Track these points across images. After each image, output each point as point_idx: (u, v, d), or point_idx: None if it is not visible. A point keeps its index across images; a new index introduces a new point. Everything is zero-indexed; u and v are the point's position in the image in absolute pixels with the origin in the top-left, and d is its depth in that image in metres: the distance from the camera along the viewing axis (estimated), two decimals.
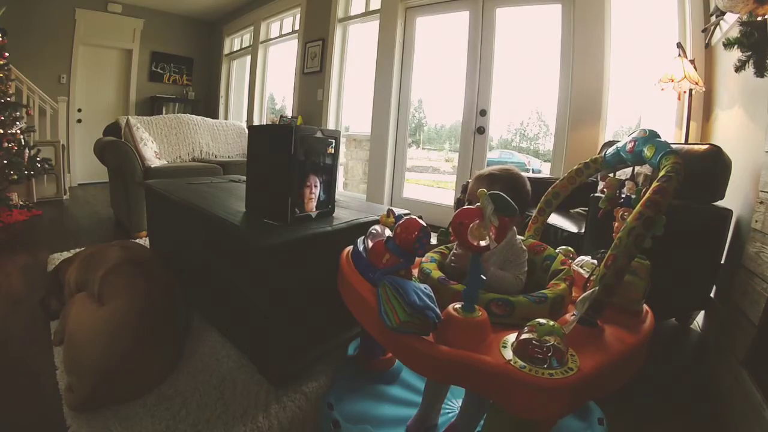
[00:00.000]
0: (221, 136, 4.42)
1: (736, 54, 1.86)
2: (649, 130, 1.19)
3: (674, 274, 1.69)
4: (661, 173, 1.02)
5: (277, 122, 5.07)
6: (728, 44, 1.78)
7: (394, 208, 1.33)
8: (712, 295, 2.24)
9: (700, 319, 2.37)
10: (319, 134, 1.67)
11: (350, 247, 1.27)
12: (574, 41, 3.40)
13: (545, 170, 6.78)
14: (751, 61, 1.75)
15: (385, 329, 0.94)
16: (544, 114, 5.68)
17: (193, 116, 4.43)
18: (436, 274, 1.15)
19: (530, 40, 4.12)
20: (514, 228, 1.25)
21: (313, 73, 4.89)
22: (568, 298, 1.12)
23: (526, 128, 7.19)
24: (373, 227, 1.20)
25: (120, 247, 1.79)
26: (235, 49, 7.02)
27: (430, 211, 4.19)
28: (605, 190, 1.41)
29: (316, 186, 1.69)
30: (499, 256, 1.23)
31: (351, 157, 5.08)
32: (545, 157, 6.92)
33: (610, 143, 3.05)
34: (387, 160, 4.27)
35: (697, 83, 2.65)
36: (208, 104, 7.27)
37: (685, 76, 2.63)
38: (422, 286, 0.99)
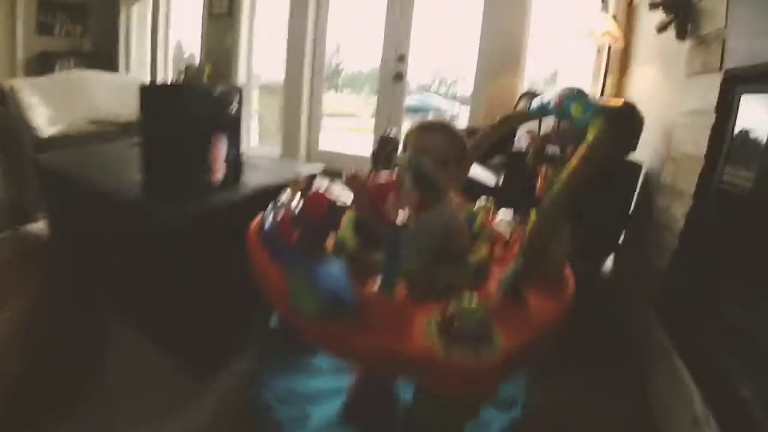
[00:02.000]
0: (123, 93, 3.79)
1: (658, 15, 1.92)
2: (576, 89, 1.14)
3: (587, 222, 1.62)
4: (590, 137, 0.98)
5: (183, 73, 4.62)
6: (653, 6, 1.88)
7: (304, 170, 1.21)
8: (620, 242, 2.33)
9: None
10: (217, 92, 1.49)
11: (259, 218, 1.14)
12: None
13: (463, 113, 7.06)
14: (673, 24, 1.84)
15: (299, 318, 0.85)
16: (463, 59, 5.75)
17: (88, 72, 3.88)
18: (353, 242, 1.05)
19: None
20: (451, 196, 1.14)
21: (222, 16, 4.46)
22: (490, 262, 1.09)
23: (444, 73, 7.28)
24: (280, 197, 1.08)
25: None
26: None
27: (347, 164, 4.03)
28: (530, 147, 1.38)
29: (219, 150, 1.52)
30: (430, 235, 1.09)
31: (265, 107, 4.79)
32: (463, 101, 7.11)
33: (527, 94, 3.05)
34: (302, 110, 4.05)
35: (616, 39, 2.70)
36: (107, 57, 6.42)
37: (606, 31, 2.66)
38: (337, 266, 0.89)
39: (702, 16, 1.73)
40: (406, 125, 3.94)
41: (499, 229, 1.25)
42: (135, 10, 6.00)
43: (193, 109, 1.40)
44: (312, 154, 4.22)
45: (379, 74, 3.89)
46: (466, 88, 7.19)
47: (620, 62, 2.92)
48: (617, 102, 1.90)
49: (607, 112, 1.04)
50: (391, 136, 1.47)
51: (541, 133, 1.40)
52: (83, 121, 3.52)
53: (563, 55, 3.74)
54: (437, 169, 1.00)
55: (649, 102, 2.29)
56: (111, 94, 3.81)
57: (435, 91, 7.28)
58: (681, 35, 1.81)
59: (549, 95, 1.22)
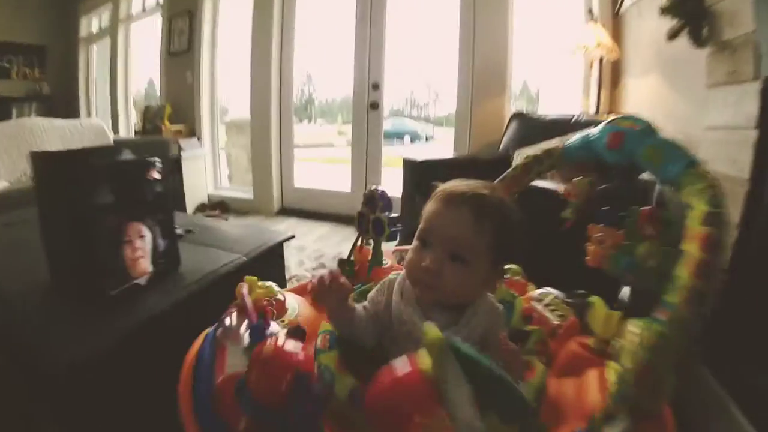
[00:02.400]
0: (76, 140, 3.45)
1: (652, 23, 1.77)
2: (641, 121, 0.89)
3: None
4: (698, 208, 0.71)
5: (143, 115, 4.30)
6: (664, 12, 1.66)
7: (246, 282, 0.89)
8: None
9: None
10: (129, 155, 1.15)
11: (193, 355, 0.82)
12: (475, 7, 3.14)
13: (437, 135, 7.07)
14: (686, 30, 1.62)
15: None
16: (435, 81, 5.65)
17: (39, 119, 3.49)
18: (344, 384, 0.72)
19: (426, 6, 3.81)
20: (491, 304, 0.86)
21: (181, 53, 4.17)
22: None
23: (416, 97, 7.17)
24: (225, 318, 0.81)
25: None
26: (93, 31, 5.83)
27: (325, 201, 3.82)
28: (571, 196, 1.12)
29: (142, 236, 1.19)
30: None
31: (234, 145, 4.46)
32: (436, 122, 7.10)
33: (519, 116, 2.84)
34: (272, 145, 3.77)
35: (610, 50, 2.56)
36: (67, 100, 6.01)
37: (598, 44, 2.52)
38: None
39: (721, 20, 1.53)
40: (386, 150, 3.71)
41: (541, 309, 1.01)
42: (95, 49, 5.66)
43: (101, 190, 1.07)
44: (286, 194, 3.92)
45: (353, 103, 3.65)
46: (440, 109, 7.23)
47: (611, 75, 2.76)
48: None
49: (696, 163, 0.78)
50: (379, 191, 1.21)
51: (581, 178, 1.13)
52: (28, 177, 3.12)
53: (547, 72, 3.57)
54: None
55: (653, 116, 2.07)
56: (65, 143, 3.43)
57: (407, 114, 7.21)
58: (697, 41, 1.61)
59: (597, 129, 0.96)
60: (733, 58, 1.46)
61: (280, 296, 0.97)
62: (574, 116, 2.52)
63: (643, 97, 2.38)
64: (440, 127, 7.04)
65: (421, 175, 2.58)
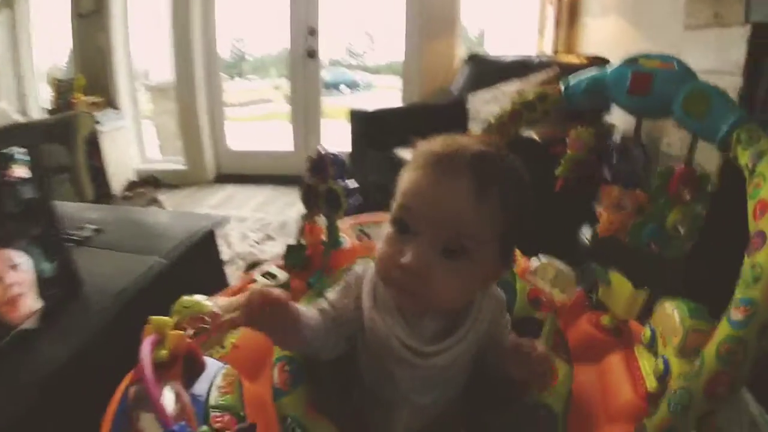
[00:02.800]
0: None
1: None
2: (672, 59, 0.71)
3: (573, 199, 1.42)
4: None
5: (56, 90, 3.69)
6: None
7: (153, 325, 0.55)
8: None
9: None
10: None
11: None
12: None
13: (377, 83, 6.75)
14: None
15: None
16: (374, 28, 5.39)
17: None
18: None
19: None
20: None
21: (90, 14, 3.59)
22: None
23: (353, 45, 6.85)
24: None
25: None
26: None
27: (265, 163, 3.55)
28: (569, 149, 0.94)
29: (13, 265, 0.88)
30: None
31: (160, 112, 3.95)
32: (374, 70, 6.86)
33: (474, 58, 2.66)
34: (200, 108, 3.40)
35: None
36: None
37: None
38: None
39: None
40: (326, 102, 3.46)
41: (536, 283, 0.85)
42: None
43: None
44: (222, 159, 3.60)
45: (290, 52, 3.37)
46: (379, 57, 6.99)
47: (568, 15, 2.64)
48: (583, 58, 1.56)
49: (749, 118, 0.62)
50: (330, 154, 0.97)
51: (580, 129, 0.95)
52: None
53: (495, 11, 3.39)
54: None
55: (613, 54, 2.01)
56: None
57: (346, 64, 6.89)
58: None
59: (616, 68, 0.78)
60: (719, 1, 1.38)
61: (215, 308, 0.76)
62: (533, 57, 2.37)
63: (605, 38, 2.31)
64: (379, 75, 6.76)
65: (372, 128, 2.41)
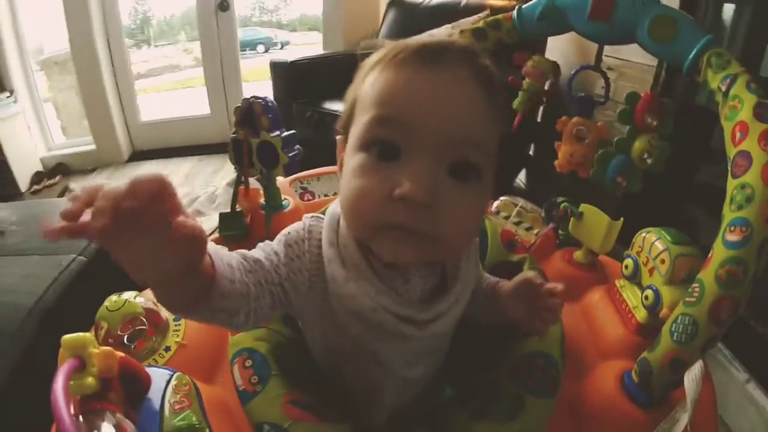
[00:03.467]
0: None
1: None
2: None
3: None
4: (744, 99, 0.55)
5: None
6: None
7: (66, 349, 0.41)
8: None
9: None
10: None
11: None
12: None
13: (293, 40, 6.52)
14: None
15: None
16: None
17: None
18: None
19: None
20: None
21: None
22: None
23: (264, 1, 6.51)
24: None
25: None
26: None
27: (183, 133, 3.28)
28: (526, 78, 0.88)
29: None
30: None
31: (59, 89, 3.44)
32: (289, 27, 6.66)
33: (395, 3, 2.51)
34: (105, 80, 3.02)
35: None
36: None
37: None
38: None
39: None
40: (243, 65, 3.21)
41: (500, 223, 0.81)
42: None
43: None
44: (135, 134, 3.28)
45: (198, 9, 3.04)
46: (290, 12, 6.68)
47: None
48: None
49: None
50: (261, 100, 0.85)
51: (538, 57, 0.90)
52: None
53: None
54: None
55: None
56: None
57: (258, 21, 6.57)
58: None
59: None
60: None
61: (149, 305, 0.65)
62: (461, 1, 2.25)
63: None
64: (296, 33, 6.57)
65: (295, 79, 2.28)
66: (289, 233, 0.50)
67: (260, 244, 0.50)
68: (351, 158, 0.45)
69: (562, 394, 0.56)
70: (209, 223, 2.09)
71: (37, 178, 2.93)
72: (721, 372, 1.14)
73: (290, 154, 0.82)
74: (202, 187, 2.57)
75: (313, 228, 0.50)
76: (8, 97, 2.82)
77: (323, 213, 0.53)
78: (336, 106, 2.09)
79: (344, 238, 0.48)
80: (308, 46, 4.81)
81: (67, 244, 1.03)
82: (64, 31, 2.95)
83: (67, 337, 0.41)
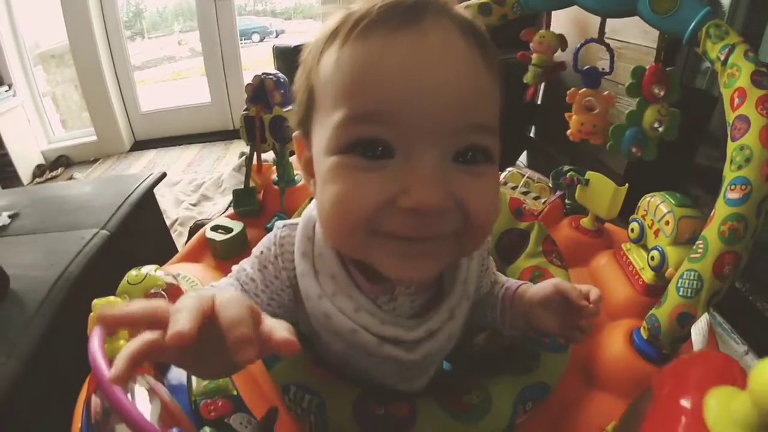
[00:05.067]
0: None
1: None
2: None
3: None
4: (741, 67, 0.59)
5: None
6: None
7: (96, 311, 0.44)
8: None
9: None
10: None
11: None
12: None
13: (288, 29, 6.35)
14: None
15: None
16: None
17: None
18: (342, 401, 0.48)
19: None
20: None
21: None
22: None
23: None
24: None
25: None
26: None
27: (185, 121, 3.28)
28: (534, 52, 0.90)
29: None
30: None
31: (57, 82, 3.40)
32: (284, 15, 6.50)
33: None
34: (104, 71, 3.03)
35: None
36: None
37: None
38: None
39: None
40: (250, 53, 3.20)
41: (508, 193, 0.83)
42: None
43: None
44: (137, 124, 3.28)
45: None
46: (285, 1, 6.60)
47: None
48: None
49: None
50: (272, 77, 0.87)
51: (543, 31, 0.92)
52: None
53: None
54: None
55: None
56: None
57: (252, 10, 6.47)
58: None
59: None
60: None
61: (169, 279, 0.66)
62: None
63: None
64: (289, 21, 6.40)
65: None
66: (261, 252, 0.46)
67: (234, 271, 0.46)
68: (324, 160, 0.36)
69: (573, 355, 0.59)
70: (216, 207, 2.11)
71: (39, 170, 2.94)
72: (721, 344, 1.18)
73: None
74: (207, 173, 2.59)
75: (285, 240, 0.45)
76: (7, 90, 2.82)
77: (300, 216, 0.47)
78: None
79: (320, 246, 0.43)
80: (303, 34, 4.78)
81: (89, 220, 1.05)
82: (60, 24, 2.94)
83: (98, 300, 0.43)
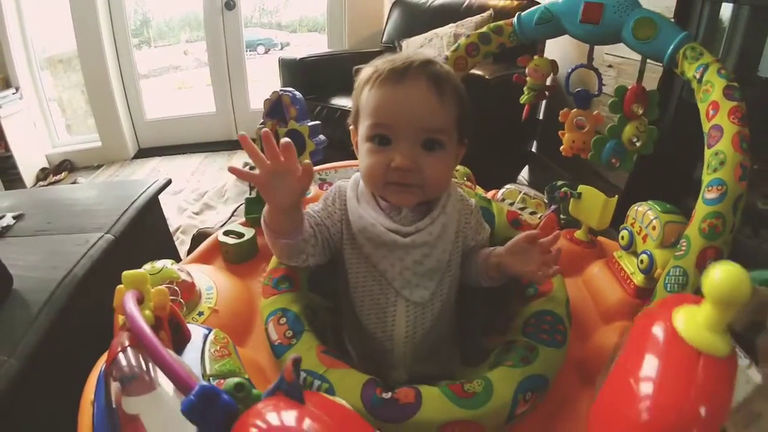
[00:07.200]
0: None
1: None
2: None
3: (501, 139, 1.64)
4: (714, 83, 0.67)
5: None
6: None
7: (127, 282, 0.46)
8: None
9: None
10: None
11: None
12: None
13: (293, 42, 6.60)
14: None
15: None
16: None
17: None
18: (352, 383, 0.55)
19: None
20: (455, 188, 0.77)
21: None
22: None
23: (265, 3, 6.50)
24: (117, 358, 0.41)
25: None
26: None
27: (189, 130, 3.34)
28: (528, 76, 0.96)
29: None
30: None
31: (63, 87, 3.41)
32: (290, 28, 6.54)
33: (399, 2, 2.56)
34: (111, 77, 3.07)
35: None
36: None
37: None
38: None
39: None
40: (254, 65, 3.25)
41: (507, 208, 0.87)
42: None
43: None
44: (141, 131, 3.33)
45: (204, 9, 3.09)
46: (289, 13, 6.69)
47: None
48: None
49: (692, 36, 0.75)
50: (290, 93, 0.93)
51: (538, 58, 0.98)
52: None
53: None
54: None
55: None
56: None
57: (257, 23, 6.55)
58: None
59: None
60: None
61: (183, 275, 0.69)
62: (464, 1, 2.30)
63: None
64: (296, 34, 6.53)
65: (304, 76, 2.35)
66: (326, 195, 0.75)
67: (309, 206, 0.74)
68: (362, 144, 0.68)
69: (569, 355, 0.62)
70: (219, 216, 2.13)
71: (43, 174, 2.97)
72: None
73: (316, 141, 0.91)
74: (210, 182, 2.62)
75: (341, 186, 0.75)
76: (14, 93, 2.85)
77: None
78: (342, 102, 2.14)
79: (361, 189, 0.73)
80: (308, 47, 4.84)
81: (94, 223, 1.07)
82: (69, 30, 2.98)
83: (127, 272, 0.45)
